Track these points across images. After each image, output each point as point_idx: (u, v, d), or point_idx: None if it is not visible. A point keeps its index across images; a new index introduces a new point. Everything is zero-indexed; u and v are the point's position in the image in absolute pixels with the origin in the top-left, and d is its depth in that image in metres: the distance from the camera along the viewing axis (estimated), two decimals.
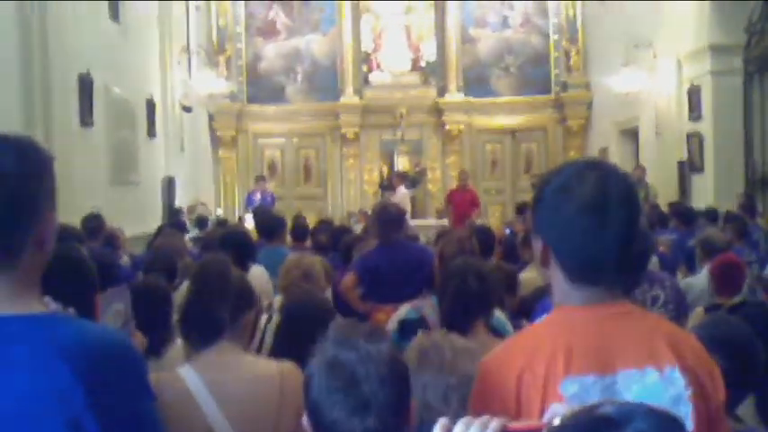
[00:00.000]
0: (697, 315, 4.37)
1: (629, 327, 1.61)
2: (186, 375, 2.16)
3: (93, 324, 1.56)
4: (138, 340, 3.43)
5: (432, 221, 13.46)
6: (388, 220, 5.35)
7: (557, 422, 0.99)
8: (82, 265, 2.13)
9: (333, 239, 7.20)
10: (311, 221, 11.37)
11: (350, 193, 16.06)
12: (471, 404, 1.68)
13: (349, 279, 5.01)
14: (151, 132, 11.65)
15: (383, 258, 5.16)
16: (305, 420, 1.60)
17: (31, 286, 1.48)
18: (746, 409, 2.98)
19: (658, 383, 1.56)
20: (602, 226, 1.57)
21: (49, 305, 1.56)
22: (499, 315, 3.59)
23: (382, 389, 1.52)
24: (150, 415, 1.54)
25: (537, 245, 1.70)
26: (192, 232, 10.53)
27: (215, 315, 2.16)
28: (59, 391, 1.38)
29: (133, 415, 1.49)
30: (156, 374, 2.27)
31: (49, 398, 1.38)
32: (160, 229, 7.60)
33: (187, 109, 13.76)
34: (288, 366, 2.33)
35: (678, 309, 4.13)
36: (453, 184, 14.49)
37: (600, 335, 1.59)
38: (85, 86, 8.77)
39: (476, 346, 2.13)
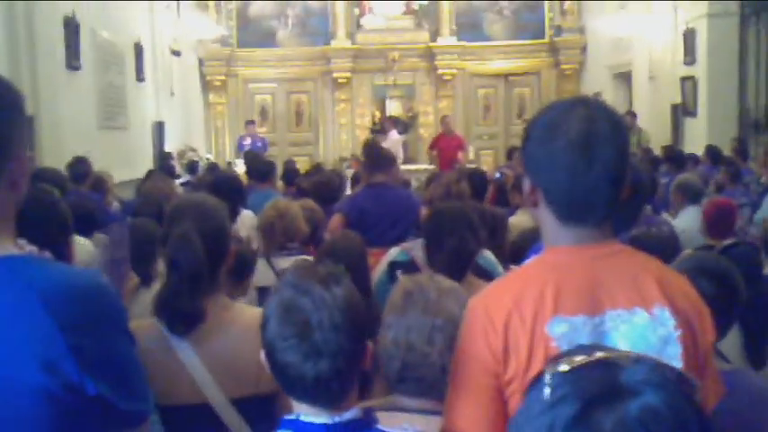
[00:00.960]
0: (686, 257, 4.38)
1: (618, 267, 1.60)
2: (162, 322, 2.12)
3: (69, 267, 1.54)
4: (133, 282, 3.44)
5: (423, 166, 13.40)
6: (374, 159, 5.34)
7: (564, 367, 0.94)
8: (54, 208, 2.09)
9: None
10: (303, 167, 11.35)
11: (342, 138, 15.97)
12: (459, 344, 1.67)
13: (335, 220, 4.97)
14: (140, 77, 11.51)
15: (369, 200, 5.14)
16: (262, 356, 1.61)
17: (4, 228, 1.45)
18: (733, 349, 3.00)
19: (647, 324, 1.55)
20: (589, 164, 1.54)
21: (24, 248, 1.53)
22: (488, 255, 3.59)
23: (335, 336, 1.53)
24: (129, 357, 1.53)
25: (526, 185, 1.67)
26: (183, 177, 10.49)
27: (192, 306, 2.09)
28: (36, 333, 1.36)
29: (112, 357, 1.47)
30: (135, 321, 2.25)
31: (26, 340, 1.36)
32: (149, 174, 7.55)
33: (176, 53, 13.59)
34: None
35: (673, 250, 4.13)
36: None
37: (589, 275, 1.57)
38: (71, 29, 8.61)
39: (461, 288, 2.11)
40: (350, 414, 1.57)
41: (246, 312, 2.26)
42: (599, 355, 0.95)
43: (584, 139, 1.54)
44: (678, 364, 1.53)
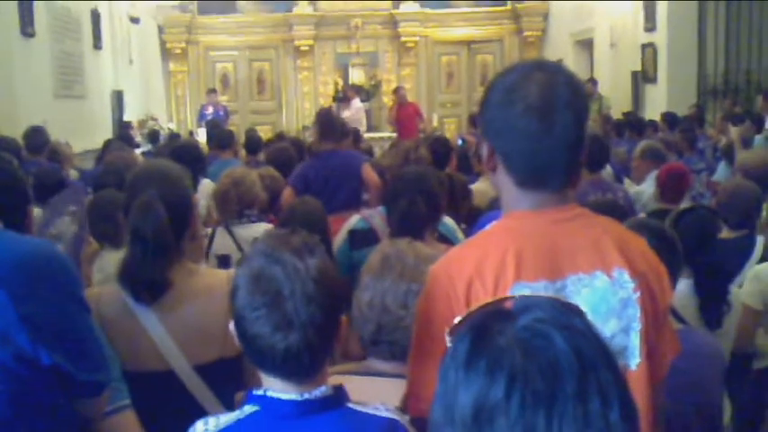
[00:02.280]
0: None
1: (578, 231, 1.59)
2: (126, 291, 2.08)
3: (18, 236, 1.50)
4: (92, 248, 3.40)
5: (386, 134, 13.37)
6: (325, 128, 5.43)
7: (457, 319, 1.01)
8: (13, 176, 2.04)
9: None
10: (266, 135, 11.25)
11: (304, 107, 15.85)
12: (418, 311, 1.66)
13: (285, 194, 4.97)
14: (97, 44, 11.28)
15: (313, 168, 5.27)
16: (231, 327, 1.57)
17: None
18: (689, 310, 3.05)
19: (607, 287, 1.55)
20: (549, 129, 1.53)
21: None
22: (448, 221, 3.59)
23: (307, 307, 1.48)
24: (84, 326, 1.50)
25: (484, 150, 1.65)
26: (145, 147, 10.36)
27: (157, 275, 2.05)
28: None
29: (66, 326, 1.45)
30: (97, 288, 2.22)
31: None
32: (107, 144, 7.43)
33: (135, 20, 13.34)
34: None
35: (628, 217, 4.19)
36: (409, 97, 14.33)
37: (549, 239, 1.56)
38: None
39: (440, 255, 2.11)
40: (319, 391, 1.52)
41: (212, 276, 2.23)
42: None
43: (544, 104, 1.52)
44: (637, 325, 1.56)
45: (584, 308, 1.48)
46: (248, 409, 1.52)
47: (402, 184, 3.19)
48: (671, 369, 1.70)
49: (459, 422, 0.91)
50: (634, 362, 1.55)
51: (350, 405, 1.56)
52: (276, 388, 1.52)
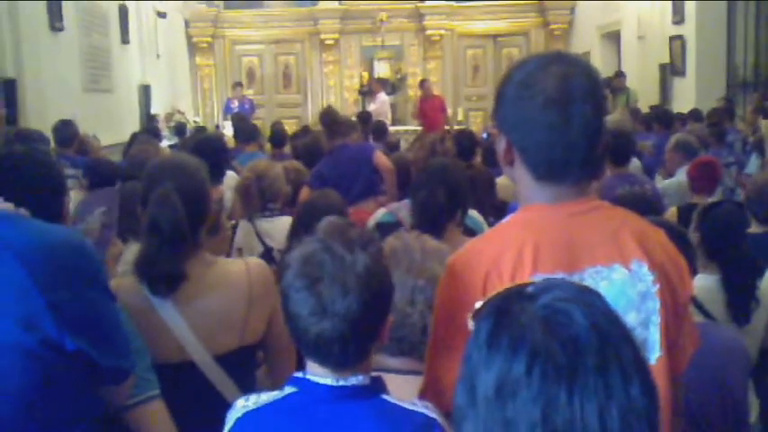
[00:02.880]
0: (670, 214, 4.41)
1: (596, 223, 1.58)
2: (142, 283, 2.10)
3: (44, 224, 1.52)
4: (117, 249, 3.43)
5: (412, 127, 13.35)
6: (330, 126, 5.52)
7: (478, 305, 1.02)
8: (49, 166, 2.07)
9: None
10: (291, 128, 11.29)
11: (330, 100, 15.83)
12: (437, 302, 1.66)
13: (304, 192, 5.01)
14: (125, 38, 11.38)
15: (326, 165, 5.37)
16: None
17: None
18: (717, 306, 3.02)
19: (626, 279, 1.54)
20: (567, 122, 1.51)
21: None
22: (474, 214, 3.58)
23: (343, 299, 1.49)
24: (109, 313, 1.53)
25: (500, 143, 1.64)
26: (171, 140, 10.43)
27: (173, 267, 2.06)
28: (13, 291, 1.36)
29: (90, 313, 1.47)
30: (117, 279, 2.23)
31: (2, 297, 1.36)
32: (133, 137, 7.49)
33: (162, 14, 13.42)
34: (255, 263, 2.29)
35: (658, 209, 4.16)
36: (435, 91, 14.29)
37: (567, 232, 1.55)
38: None
39: (448, 248, 2.10)
40: (356, 379, 1.55)
41: (229, 267, 2.25)
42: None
43: (561, 97, 1.51)
44: (656, 318, 1.54)
45: None
46: (288, 389, 1.57)
47: (425, 176, 3.18)
48: (693, 363, 1.69)
49: (481, 400, 0.93)
50: (654, 355, 1.54)
51: (385, 397, 1.58)
52: (316, 372, 1.56)
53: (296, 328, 1.54)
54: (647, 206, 3.70)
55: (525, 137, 1.57)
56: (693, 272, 2.63)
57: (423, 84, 13.89)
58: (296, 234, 3.00)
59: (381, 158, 5.35)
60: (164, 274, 2.05)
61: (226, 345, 2.12)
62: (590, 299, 0.96)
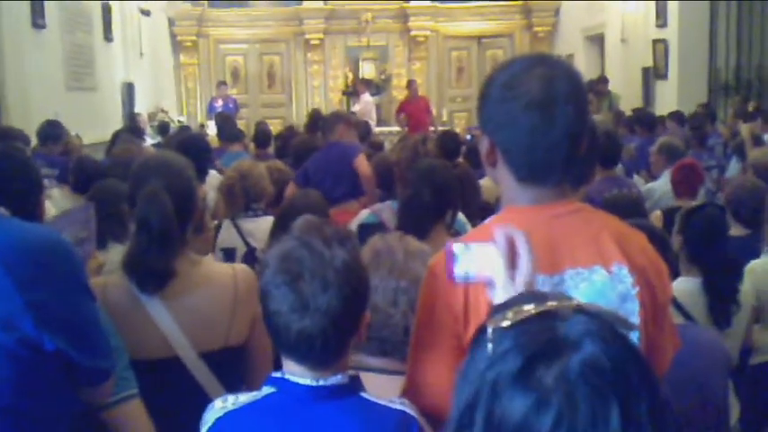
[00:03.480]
0: (656, 218, 4.44)
1: (577, 225, 1.59)
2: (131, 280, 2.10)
3: (23, 223, 1.52)
4: (96, 262, 3.40)
5: (396, 128, 13.36)
6: (317, 125, 5.53)
7: (505, 323, 0.97)
8: (25, 165, 2.06)
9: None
10: (275, 129, 11.27)
11: (315, 100, 15.83)
12: (419, 304, 1.67)
13: (289, 189, 5.01)
14: (108, 36, 11.31)
15: (313, 162, 5.39)
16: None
17: None
18: (698, 308, 3.04)
19: (606, 281, 1.55)
20: (550, 124, 1.52)
21: None
22: (460, 216, 3.59)
23: (324, 294, 1.50)
24: (88, 313, 1.52)
25: (483, 144, 1.64)
26: (154, 139, 10.38)
27: (162, 264, 2.07)
28: None
29: (70, 312, 1.46)
30: (103, 277, 2.23)
31: None
32: (115, 136, 7.45)
33: (146, 12, 13.36)
34: (241, 268, 2.30)
35: (641, 212, 4.18)
36: (419, 92, 14.30)
37: (549, 234, 1.56)
38: None
39: (430, 249, 2.11)
40: (335, 379, 1.55)
41: (216, 268, 2.27)
42: (538, 306, 0.97)
43: (545, 99, 1.52)
44: (636, 319, 1.55)
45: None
46: (266, 390, 1.57)
47: (412, 176, 3.18)
48: (673, 364, 1.70)
49: (494, 426, 0.91)
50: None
51: (364, 395, 1.58)
52: (294, 371, 1.55)
53: (276, 326, 1.54)
54: (635, 208, 3.73)
55: (508, 138, 1.58)
56: (674, 275, 2.65)
57: (410, 84, 13.90)
58: (277, 234, 3.00)
59: (362, 164, 5.33)
60: (153, 271, 2.06)
61: (211, 343, 2.13)
62: (624, 367, 0.91)
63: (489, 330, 0.96)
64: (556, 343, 0.92)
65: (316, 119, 5.83)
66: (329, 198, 4.39)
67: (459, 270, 1.38)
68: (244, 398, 1.56)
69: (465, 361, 0.99)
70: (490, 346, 0.94)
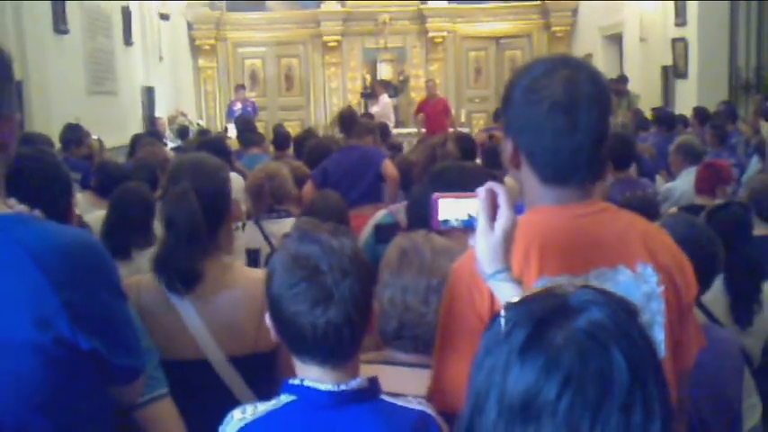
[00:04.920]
0: (672, 214, 4.42)
1: (601, 225, 1.60)
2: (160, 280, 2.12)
3: (58, 225, 1.55)
4: None
5: (414, 129, 13.37)
6: (347, 126, 5.52)
7: (516, 299, 1.03)
8: (56, 169, 2.10)
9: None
10: (294, 131, 11.31)
11: (333, 102, 15.88)
12: (443, 305, 1.68)
13: (306, 187, 5.03)
14: (128, 41, 11.40)
15: (333, 162, 5.36)
16: (267, 318, 1.59)
17: None
18: (720, 308, 3.04)
19: (630, 281, 1.56)
20: (574, 126, 1.54)
21: (14, 207, 1.54)
22: None
23: (344, 280, 1.51)
24: (121, 313, 1.55)
25: (507, 147, 1.66)
26: (174, 142, 10.45)
27: (189, 265, 2.08)
28: (29, 291, 1.38)
29: (104, 312, 1.49)
30: (137, 277, 2.26)
31: (19, 297, 1.38)
32: (135, 139, 7.51)
33: (165, 17, 13.45)
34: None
35: (655, 213, 4.17)
36: (438, 92, 14.29)
37: (573, 234, 1.58)
38: None
39: (456, 246, 2.12)
40: (356, 382, 1.54)
41: (247, 273, 2.26)
42: (548, 286, 1.04)
43: (569, 101, 1.53)
44: (661, 318, 1.56)
45: None
46: (284, 398, 1.54)
47: (426, 177, 3.20)
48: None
49: (505, 406, 0.95)
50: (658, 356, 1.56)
51: (383, 397, 1.58)
52: (313, 377, 1.54)
53: (297, 328, 1.52)
54: (651, 209, 3.72)
55: (532, 141, 1.59)
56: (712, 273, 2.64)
57: (427, 83, 13.90)
58: None
59: (390, 167, 5.37)
60: (180, 271, 2.07)
61: (240, 347, 2.13)
62: (627, 328, 0.97)
63: (503, 312, 1.01)
64: (563, 308, 0.97)
65: (351, 119, 5.78)
66: (347, 199, 4.41)
67: (441, 217, 1.46)
68: (262, 407, 1.54)
69: (479, 351, 1.02)
70: (503, 322, 0.99)
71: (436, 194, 1.48)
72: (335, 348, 1.53)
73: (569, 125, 1.54)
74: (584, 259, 1.56)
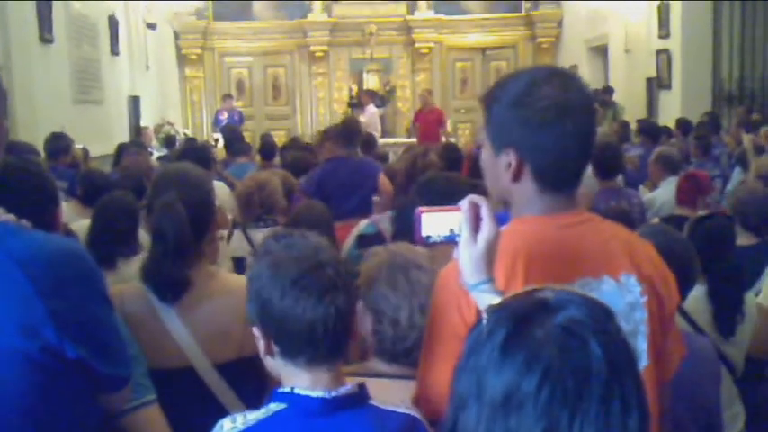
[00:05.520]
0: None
1: (587, 236, 1.62)
2: (149, 290, 2.13)
3: (45, 234, 1.56)
4: None
5: (401, 140, 13.39)
6: (348, 134, 5.45)
7: (496, 301, 1.08)
8: (42, 178, 2.10)
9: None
10: (280, 140, 11.31)
11: (319, 112, 15.91)
12: (430, 313, 1.69)
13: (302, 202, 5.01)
14: (114, 50, 11.38)
15: (326, 173, 5.28)
16: (256, 331, 1.59)
17: None
18: (703, 316, 3.06)
19: (614, 291, 1.58)
20: (572, 133, 1.56)
21: (1, 216, 1.55)
22: None
23: (343, 270, 1.56)
24: (108, 321, 1.55)
25: (502, 161, 1.61)
26: (160, 152, 10.43)
27: (178, 274, 2.10)
28: (15, 299, 1.38)
29: (90, 321, 1.49)
30: (120, 286, 2.26)
31: (4, 304, 1.38)
32: (120, 148, 7.49)
33: (151, 26, 13.44)
34: None
35: (642, 223, 4.21)
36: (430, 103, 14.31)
37: (559, 244, 1.59)
38: (43, 1, 8.50)
39: (426, 254, 2.12)
40: (345, 389, 1.55)
41: (231, 279, 2.27)
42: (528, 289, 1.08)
43: (567, 110, 1.55)
44: (644, 328, 1.58)
45: None
46: (274, 406, 1.54)
47: (415, 186, 3.21)
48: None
49: (487, 401, 0.97)
50: (641, 364, 1.57)
51: (372, 402, 1.59)
52: (303, 385, 1.54)
53: (292, 328, 1.52)
54: (626, 222, 3.74)
55: (538, 152, 1.58)
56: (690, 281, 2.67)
57: (422, 95, 13.89)
58: None
59: (386, 182, 5.29)
60: (169, 280, 2.09)
61: (225, 354, 2.15)
62: (604, 324, 1.00)
63: (484, 315, 1.05)
64: (543, 307, 1.01)
65: (354, 129, 5.68)
66: (338, 212, 4.40)
67: (424, 232, 1.48)
68: (252, 416, 1.53)
69: (462, 353, 1.05)
70: (485, 323, 1.03)
71: (420, 209, 1.49)
72: (333, 343, 1.54)
73: (570, 133, 1.56)
74: (570, 269, 1.57)
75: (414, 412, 1.60)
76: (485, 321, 1.04)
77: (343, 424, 1.52)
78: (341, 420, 1.52)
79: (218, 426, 1.55)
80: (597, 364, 0.95)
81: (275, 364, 1.60)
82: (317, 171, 5.44)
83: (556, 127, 1.55)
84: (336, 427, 1.52)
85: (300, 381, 1.55)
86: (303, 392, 1.53)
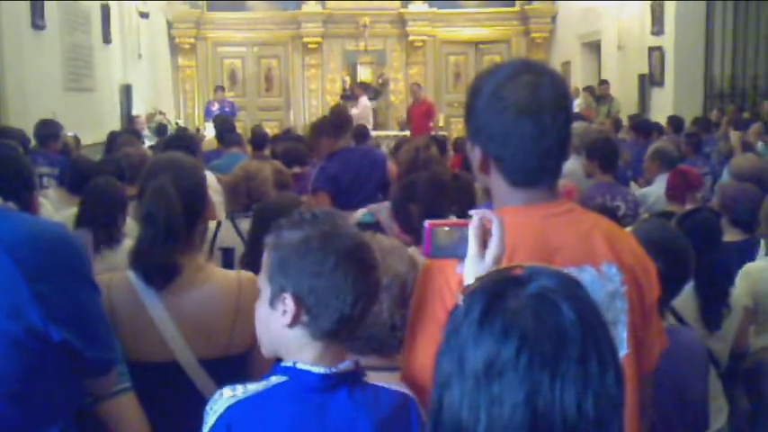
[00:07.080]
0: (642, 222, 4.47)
1: (568, 225, 1.63)
2: (135, 280, 2.09)
3: (32, 217, 1.56)
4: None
5: (393, 132, 13.40)
6: (341, 124, 5.40)
7: (472, 282, 1.10)
8: (18, 162, 2.09)
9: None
10: (272, 131, 11.30)
11: (312, 104, 15.90)
12: (414, 301, 1.70)
13: (321, 199, 4.97)
14: (106, 38, 11.34)
15: (336, 167, 5.18)
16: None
17: None
18: (689, 311, 3.08)
19: (595, 280, 1.58)
20: (542, 132, 1.56)
21: None
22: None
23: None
24: (94, 306, 1.55)
25: (475, 154, 1.67)
26: (152, 141, 10.41)
27: (167, 259, 2.07)
28: (1, 281, 1.38)
29: (75, 304, 1.49)
30: (108, 274, 2.25)
31: None
32: (111, 136, 7.47)
33: (144, 15, 13.40)
34: (247, 276, 2.25)
35: (635, 219, 4.23)
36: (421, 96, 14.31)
37: (540, 234, 1.60)
38: None
39: (402, 244, 2.12)
40: (344, 365, 1.58)
41: (220, 274, 2.24)
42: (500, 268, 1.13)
43: (534, 107, 1.55)
44: (624, 317, 1.59)
45: None
46: (275, 379, 1.57)
47: (405, 183, 3.23)
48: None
49: (470, 373, 1.00)
50: (621, 352, 1.58)
51: (367, 379, 1.63)
52: (306, 360, 1.57)
53: (335, 297, 1.55)
54: (608, 216, 3.76)
55: (501, 148, 1.60)
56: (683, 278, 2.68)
57: (413, 88, 13.91)
58: (254, 236, 3.00)
59: (394, 169, 5.21)
60: (158, 265, 2.06)
61: (211, 349, 2.11)
62: (575, 291, 1.05)
63: (460, 297, 1.08)
64: (515, 281, 1.05)
65: (345, 119, 5.62)
66: (351, 202, 4.38)
67: (433, 246, 1.48)
68: (252, 387, 1.56)
69: (443, 337, 1.08)
70: (461, 303, 1.07)
71: (428, 222, 1.48)
72: (359, 321, 1.61)
73: (537, 131, 1.56)
74: (551, 259, 1.57)
75: (405, 390, 1.63)
76: (461, 303, 1.06)
77: (339, 399, 1.56)
78: (338, 396, 1.57)
79: (217, 393, 1.58)
80: (572, 326, 0.99)
81: (285, 339, 1.60)
82: (325, 166, 5.25)
83: (526, 132, 1.56)
84: (334, 402, 1.56)
85: (304, 356, 1.58)
86: (304, 367, 1.56)
